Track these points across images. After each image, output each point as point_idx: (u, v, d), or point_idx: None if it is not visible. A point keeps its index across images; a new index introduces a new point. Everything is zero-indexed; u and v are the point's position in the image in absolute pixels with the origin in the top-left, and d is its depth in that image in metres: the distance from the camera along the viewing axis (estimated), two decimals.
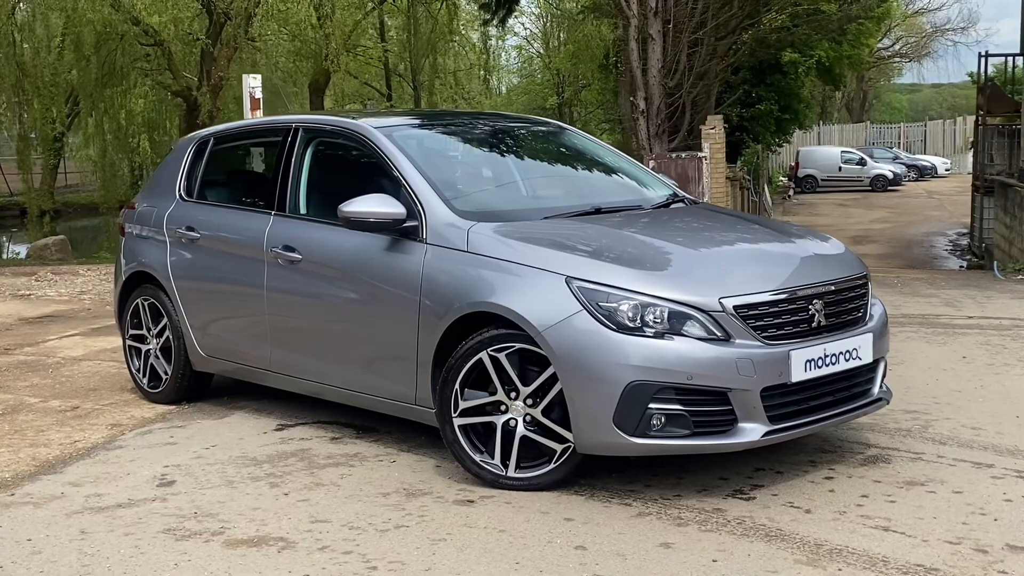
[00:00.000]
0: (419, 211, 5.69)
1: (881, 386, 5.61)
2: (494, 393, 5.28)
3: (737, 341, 4.95)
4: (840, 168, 46.46)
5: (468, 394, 5.33)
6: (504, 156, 6.62)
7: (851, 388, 5.39)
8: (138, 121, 32.59)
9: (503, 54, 39.80)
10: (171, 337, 7.13)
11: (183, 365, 7.09)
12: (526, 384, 5.20)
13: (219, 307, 6.79)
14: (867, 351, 5.40)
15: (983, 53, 27.21)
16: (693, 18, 21.79)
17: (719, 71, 23.69)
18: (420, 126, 6.53)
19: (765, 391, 4.97)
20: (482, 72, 39.86)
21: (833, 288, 5.35)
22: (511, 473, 5.27)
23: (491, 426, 5.33)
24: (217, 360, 6.90)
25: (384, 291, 5.73)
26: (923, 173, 51.68)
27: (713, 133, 21.16)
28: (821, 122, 54.40)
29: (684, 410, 4.91)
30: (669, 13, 21.62)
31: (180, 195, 7.23)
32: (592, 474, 5.40)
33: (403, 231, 5.69)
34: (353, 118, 6.48)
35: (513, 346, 5.19)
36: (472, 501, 5.16)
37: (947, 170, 53.60)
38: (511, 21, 37.98)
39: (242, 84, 14.18)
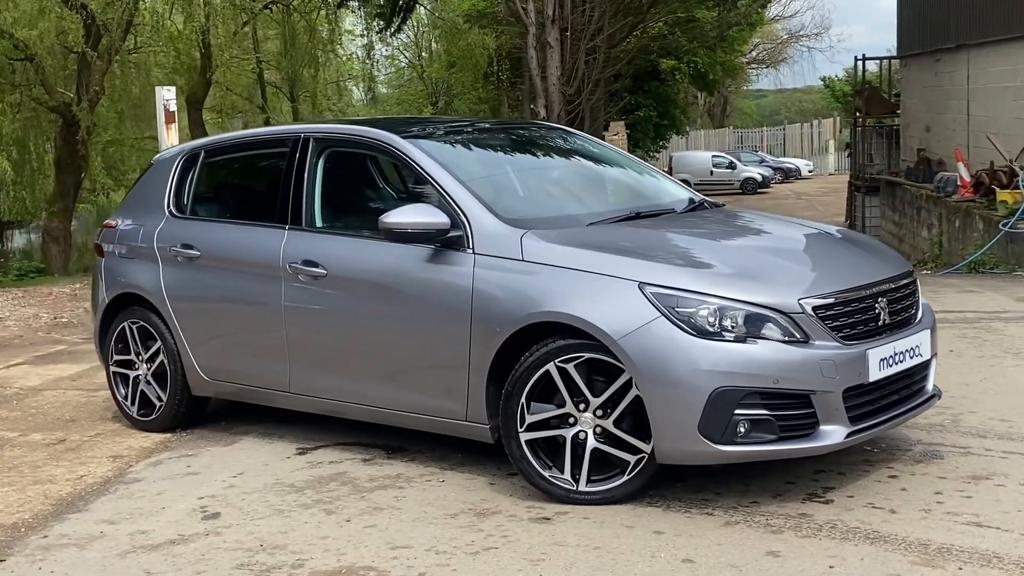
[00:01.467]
0: (462, 220, 5.49)
1: (932, 382, 5.62)
2: (562, 405, 5.11)
3: (816, 342, 4.89)
4: (712, 172, 47.33)
5: (534, 408, 5.15)
6: (528, 162, 6.46)
7: (911, 386, 5.39)
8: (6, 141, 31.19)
9: (375, 64, 39.29)
10: (166, 361, 6.76)
11: (180, 390, 6.74)
12: (596, 395, 5.05)
13: (225, 327, 6.46)
14: (926, 348, 5.40)
15: (860, 56, 28.01)
16: (590, 26, 21.91)
17: (606, 79, 23.87)
18: (442, 134, 6.31)
19: (846, 392, 4.91)
20: (367, 82, 39.43)
21: (892, 286, 5.34)
22: (583, 488, 5.12)
23: (556, 440, 5.16)
24: (221, 383, 6.57)
25: (427, 304, 5.51)
26: (788, 175, 53.01)
27: (616, 139, 21.28)
28: (688, 128, 55.38)
29: (770, 415, 4.83)
30: (566, 21, 21.71)
31: (170, 211, 6.87)
32: (655, 484, 5.26)
33: (446, 241, 5.48)
34: (370, 127, 6.23)
35: (582, 356, 5.04)
36: (548, 518, 4.98)
37: (810, 171, 55.07)
38: (373, 34, 37.72)
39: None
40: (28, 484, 5.99)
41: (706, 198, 6.56)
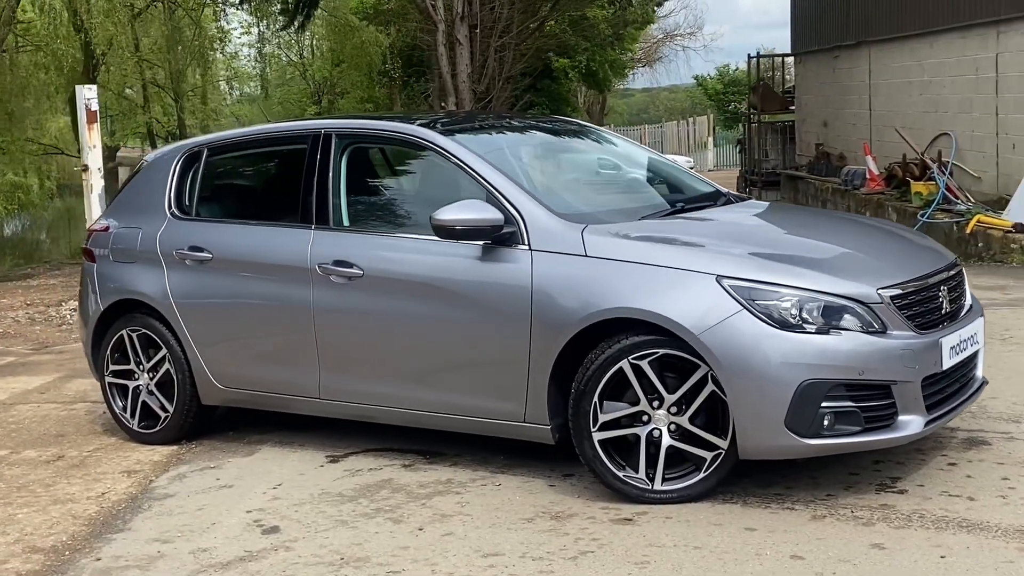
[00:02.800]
0: (515, 216, 5.34)
1: (981, 370, 5.66)
2: (635, 403, 5.01)
3: (893, 332, 4.87)
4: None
5: (607, 406, 5.03)
6: (561, 157, 6.33)
7: (968, 373, 5.42)
8: None
9: (267, 62, 38.52)
10: (172, 370, 6.45)
11: (188, 399, 6.43)
12: (670, 392, 4.95)
13: (242, 332, 6.19)
14: (980, 335, 5.45)
15: (754, 54, 28.45)
16: (499, 23, 21.81)
17: (515, 76, 23.79)
18: (476, 129, 6.13)
19: (924, 381, 4.91)
20: (260, 80, 38.59)
21: (949, 274, 5.36)
22: (658, 487, 5.02)
23: (625, 439, 5.06)
24: (236, 390, 6.29)
25: (480, 302, 5.35)
26: None
27: None
28: None
29: (855, 406, 4.79)
30: (476, 18, 21.56)
31: (171, 213, 6.55)
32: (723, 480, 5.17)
33: (500, 238, 5.32)
34: (399, 121, 6.03)
35: (656, 352, 4.94)
36: (629, 519, 4.88)
37: (691, 167, 55.75)
38: (268, 31, 37.01)
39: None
40: (47, 504, 5.65)
41: (730, 191, 6.52)
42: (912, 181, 17.08)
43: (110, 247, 6.73)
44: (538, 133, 6.52)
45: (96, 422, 7.21)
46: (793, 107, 26.34)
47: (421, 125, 5.89)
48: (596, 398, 5.02)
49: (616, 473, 5.04)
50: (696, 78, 58.99)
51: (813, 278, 4.88)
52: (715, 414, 4.95)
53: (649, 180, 6.47)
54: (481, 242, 5.36)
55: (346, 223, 5.91)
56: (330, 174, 5.97)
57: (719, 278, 4.87)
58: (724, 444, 4.93)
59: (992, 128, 15.96)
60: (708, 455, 4.97)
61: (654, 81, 59.46)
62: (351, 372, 5.83)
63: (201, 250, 6.29)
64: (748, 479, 5.25)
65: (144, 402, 6.61)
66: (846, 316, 4.83)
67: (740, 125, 36.07)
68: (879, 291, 4.89)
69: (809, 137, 24.62)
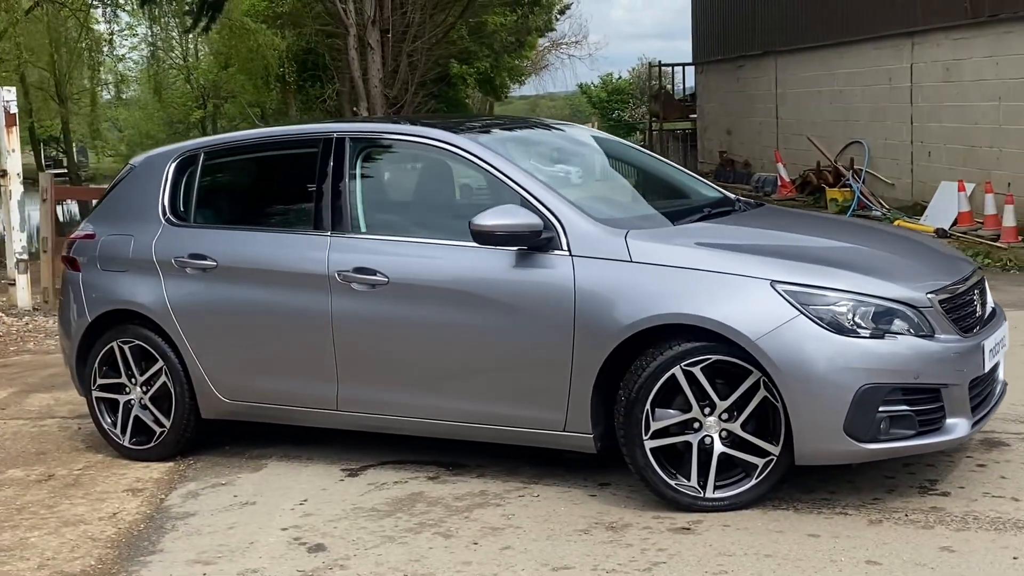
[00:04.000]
0: (551, 221, 5.25)
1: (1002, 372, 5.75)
2: (687, 410, 4.96)
3: (940, 336, 4.92)
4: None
5: (659, 414, 4.98)
6: (580, 161, 6.25)
7: (996, 376, 5.50)
8: None
9: (158, 64, 37.60)
10: (169, 383, 6.19)
11: (187, 413, 6.18)
12: (722, 398, 4.92)
13: (250, 343, 5.96)
14: (1007, 339, 5.53)
15: (656, 63, 28.78)
16: (411, 28, 21.67)
17: (428, 81, 23.65)
18: (494, 134, 6.01)
19: (971, 383, 4.97)
20: (150, 82, 37.59)
21: (978, 279, 5.44)
22: (709, 494, 4.98)
23: (674, 447, 5.01)
24: (242, 403, 6.06)
25: (518, 309, 5.24)
26: None
27: None
28: None
29: (910, 410, 4.82)
30: (387, 22, 21.39)
31: (166, 219, 6.28)
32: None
33: (539, 243, 5.23)
34: (417, 125, 5.89)
35: (708, 358, 4.91)
36: (687, 528, 4.82)
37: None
38: (163, 32, 36.20)
39: None
40: (57, 526, 5.37)
41: (739, 197, 6.52)
42: (827, 187, 17.44)
43: (97, 255, 6.44)
44: (552, 139, 6.43)
45: (75, 438, 6.89)
46: (694, 115, 26.73)
47: (442, 129, 5.76)
48: (648, 405, 4.95)
49: (668, 482, 4.99)
50: (580, 86, 59.51)
51: (865, 282, 4.90)
52: (765, 420, 4.93)
53: (666, 184, 6.43)
54: (515, 248, 5.25)
55: (364, 229, 5.75)
56: (346, 179, 5.80)
57: (773, 283, 4.85)
58: (776, 450, 4.91)
59: (906, 136, 16.38)
60: (760, 461, 4.95)
61: (536, 89, 59.66)
62: (373, 382, 5.66)
63: (204, 258, 6.05)
64: (788, 485, 5.23)
65: (137, 417, 6.33)
66: (896, 320, 4.85)
67: (638, 132, 36.46)
68: (928, 295, 4.93)
69: (712, 144, 24.99)
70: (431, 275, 5.46)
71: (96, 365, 6.39)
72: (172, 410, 6.21)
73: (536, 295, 5.22)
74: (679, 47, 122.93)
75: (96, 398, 6.43)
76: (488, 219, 5.18)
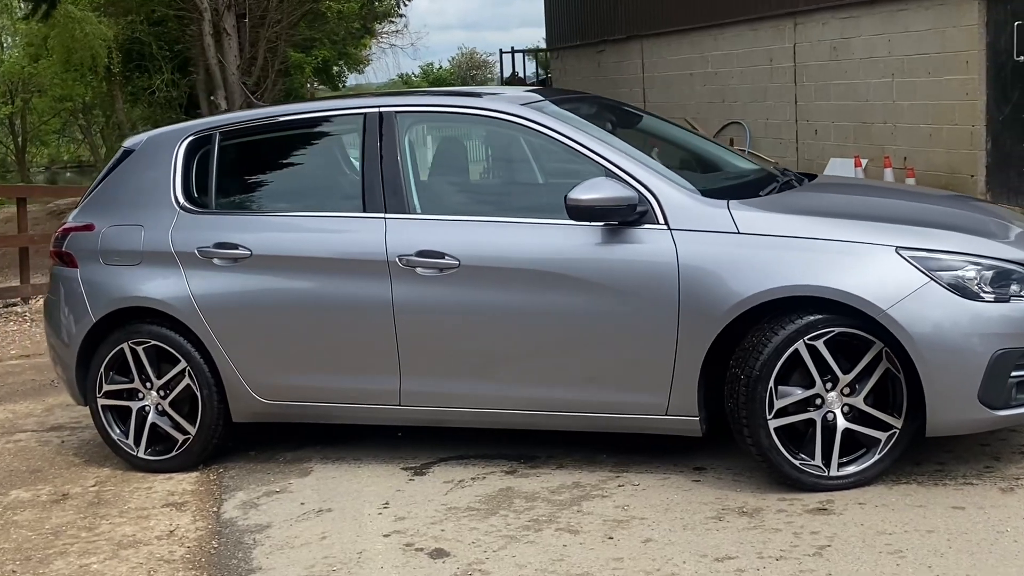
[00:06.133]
0: (644, 194, 4.96)
1: None
2: (810, 386, 4.75)
3: None
4: None
5: (781, 392, 4.74)
6: (638, 133, 5.94)
7: None
8: None
9: None
10: (195, 385, 5.64)
11: (216, 417, 5.65)
12: (844, 372, 4.73)
13: (295, 338, 5.46)
14: None
15: (510, 49, 28.62)
16: (268, 14, 20.97)
17: (279, 69, 22.92)
18: (559, 105, 5.64)
19: None
20: None
21: None
22: (834, 472, 4.78)
23: (791, 426, 4.79)
24: (283, 403, 5.57)
25: (612, 289, 4.94)
26: None
27: None
28: None
29: None
30: (243, 7, 20.62)
31: (181, 206, 5.72)
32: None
33: (633, 218, 4.93)
34: (474, 98, 5.50)
35: (831, 331, 4.70)
36: (824, 509, 4.61)
37: None
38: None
39: None
40: (114, 550, 4.81)
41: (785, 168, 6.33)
42: None
43: (99, 248, 5.82)
44: (604, 109, 6.11)
45: (65, 453, 6.25)
46: None
47: (510, 102, 5.39)
48: (772, 383, 4.72)
49: (793, 462, 4.76)
50: (401, 76, 59.06)
51: (985, 245, 4.78)
52: (883, 393, 4.76)
53: (722, 157, 6.17)
54: (606, 223, 4.93)
55: (424, 210, 5.34)
56: (398, 156, 5.37)
57: (899, 249, 4.68)
58: (899, 423, 4.75)
59: (791, 115, 16.62)
60: (882, 436, 4.77)
61: (357, 80, 58.98)
62: (442, 374, 5.26)
63: (235, 247, 5.52)
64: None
65: (153, 425, 5.75)
66: (1013, 283, 4.74)
67: None
68: None
69: None
70: (510, 256, 5.10)
71: (102, 370, 5.77)
72: (199, 415, 5.65)
73: (633, 273, 4.92)
74: (487, 37, 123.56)
75: (102, 407, 5.82)
76: (586, 193, 4.85)
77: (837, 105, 15.52)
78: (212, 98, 20.69)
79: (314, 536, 4.72)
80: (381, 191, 5.35)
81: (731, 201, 4.97)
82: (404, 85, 58.67)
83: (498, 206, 5.38)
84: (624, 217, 4.91)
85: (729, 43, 18.12)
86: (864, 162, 14.50)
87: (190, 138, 5.84)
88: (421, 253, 5.19)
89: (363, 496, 5.13)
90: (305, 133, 5.88)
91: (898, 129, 14.31)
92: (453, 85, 51.84)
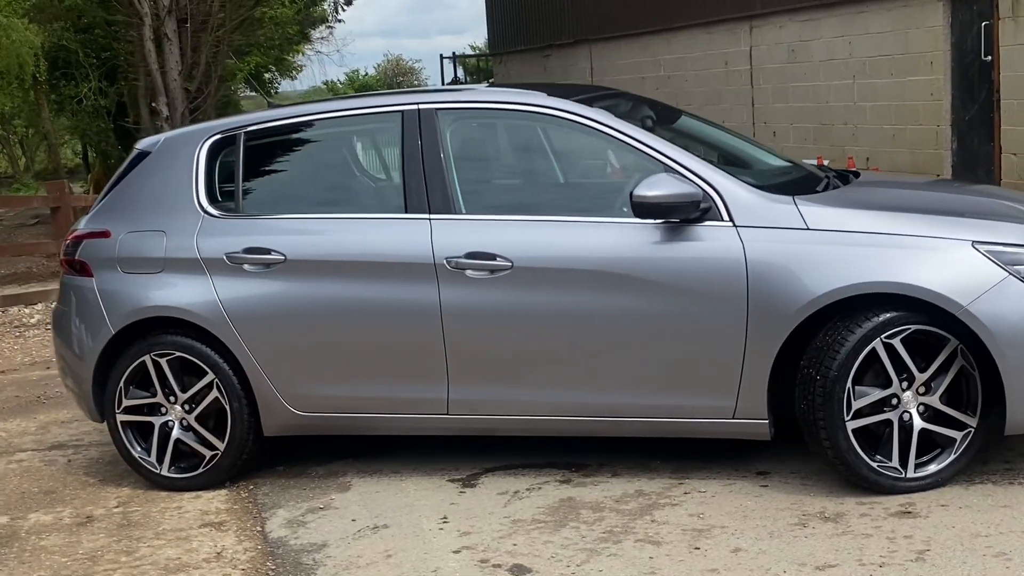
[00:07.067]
0: (707, 190, 4.81)
1: None
2: (886, 386, 4.61)
3: None
4: None
5: (859, 392, 4.61)
6: (675, 130, 5.77)
7: None
8: None
9: None
10: (224, 398, 5.36)
11: (246, 432, 5.37)
12: (920, 370, 4.61)
13: (334, 347, 5.21)
14: None
15: (451, 55, 28.38)
16: (211, 18, 20.51)
17: (222, 75, 22.46)
18: (604, 101, 5.46)
19: None
20: None
21: None
22: (911, 474, 4.65)
23: (866, 428, 4.66)
24: (318, 415, 5.32)
25: (677, 289, 4.77)
26: None
27: None
28: None
29: None
30: (185, 11, 20.15)
31: (205, 210, 5.45)
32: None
33: (696, 216, 4.77)
34: (531, 94, 5.29)
35: (908, 328, 4.57)
36: (908, 512, 4.48)
37: None
38: None
39: None
40: (163, 573, 4.52)
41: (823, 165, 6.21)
42: None
43: (117, 256, 5.51)
44: (645, 106, 5.94)
45: (75, 472, 5.93)
46: None
47: (554, 96, 5.20)
48: (850, 383, 4.57)
49: (871, 464, 4.63)
50: (327, 83, 58.59)
51: None
52: (958, 391, 4.65)
53: (762, 153, 6.01)
54: (667, 221, 4.77)
55: (471, 210, 5.12)
56: (441, 154, 5.16)
57: (975, 243, 4.57)
58: (974, 422, 4.64)
59: (747, 118, 16.63)
60: (958, 435, 4.66)
61: (298, 86, 58.47)
62: (496, 381, 5.05)
63: (266, 252, 5.26)
64: None
65: (178, 441, 5.46)
66: None
67: None
68: None
69: None
70: (566, 256, 4.90)
71: (121, 384, 5.47)
72: (228, 429, 5.37)
73: (698, 272, 4.76)
74: (405, 44, 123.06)
75: (122, 423, 5.52)
76: (652, 189, 4.68)
77: (796, 107, 15.56)
78: (153, 104, 20.18)
79: (378, 554, 4.48)
80: (424, 191, 5.12)
81: (796, 197, 4.82)
82: (330, 92, 58.23)
83: (549, 205, 5.19)
84: (687, 214, 4.75)
85: (682, 46, 18.11)
86: (826, 163, 14.51)
87: (213, 139, 5.57)
88: (471, 255, 4.97)
89: (417, 510, 4.90)
90: (337, 132, 5.63)
91: (860, 130, 14.37)
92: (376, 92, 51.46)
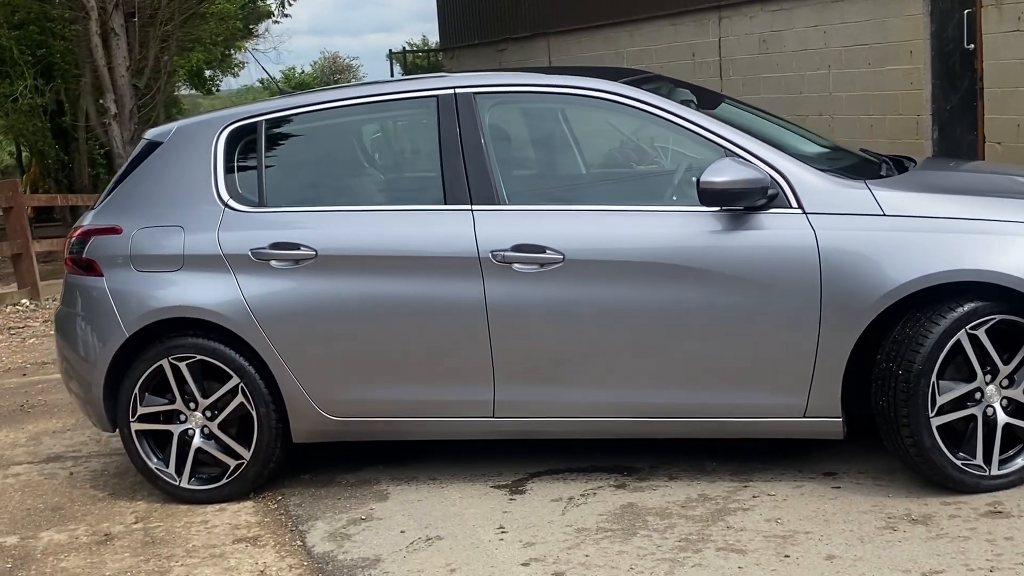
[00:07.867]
0: (773, 176, 4.54)
1: None
2: (971, 379, 4.38)
3: None
4: None
5: (943, 387, 4.36)
6: (726, 112, 5.49)
7: None
8: None
9: None
10: (250, 403, 5.01)
11: (274, 439, 5.03)
12: (1005, 363, 4.38)
13: (371, 347, 4.88)
14: None
15: (400, 50, 27.97)
16: (159, 13, 19.97)
17: (171, 71, 21.92)
18: (652, 85, 5.16)
19: None
20: None
21: None
22: (995, 471, 4.42)
23: (949, 424, 4.42)
24: (354, 420, 4.98)
25: (745, 280, 4.50)
26: None
27: None
28: None
29: None
30: (133, 6, 19.60)
31: (225, 203, 5.09)
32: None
33: (762, 203, 4.50)
34: (582, 77, 4.97)
35: (992, 319, 4.34)
36: (998, 512, 4.25)
37: None
38: None
39: None
40: None
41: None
42: None
43: (130, 253, 5.13)
44: (688, 90, 5.64)
45: (82, 486, 5.54)
46: None
47: (616, 81, 4.90)
48: (935, 378, 4.33)
49: (955, 462, 4.38)
50: (262, 82, 57.82)
51: None
52: None
53: (808, 136, 5.75)
54: (730, 209, 4.50)
55: (516, 200, 4.82)
56: (482, 141, 4.84)
57: None
58: None
59: None
60: None
61: (235, 84, 57.68)
62: (546, 381, 4.75)
63: (295, 247, 4.91)
64: None
65: (198, 450, 5.10)
66: None
67: None
68: None
69: None
70: (622, 248, 4.61)
71: (136, 391, 5.09)
72: (254, 437, 5.02)
73: (766, 262, 4.49)
74: (337, 42, 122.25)
75: (136, 432, 5.14)
76: (719, 175, 4.41)
77: (768, 99, 15.36)
78: (101, 101, 19.60)
79: (440, 569, 4.16)
80: (464, 180, 4.80)
81: (868, 181, 4.57)
82: (266, 91, 57.42)
83: (600, 193, 4.91)
84: (753, 201, 4.48)
85: (647, 38, 17.90)
86: None
87: (231, 127, 5.20)
88: (518, 247, 4.66)
89: (468, 519, 4.58)
90: (366, 119, 5.30)
91: (836, 121, 14.23)
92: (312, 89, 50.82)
